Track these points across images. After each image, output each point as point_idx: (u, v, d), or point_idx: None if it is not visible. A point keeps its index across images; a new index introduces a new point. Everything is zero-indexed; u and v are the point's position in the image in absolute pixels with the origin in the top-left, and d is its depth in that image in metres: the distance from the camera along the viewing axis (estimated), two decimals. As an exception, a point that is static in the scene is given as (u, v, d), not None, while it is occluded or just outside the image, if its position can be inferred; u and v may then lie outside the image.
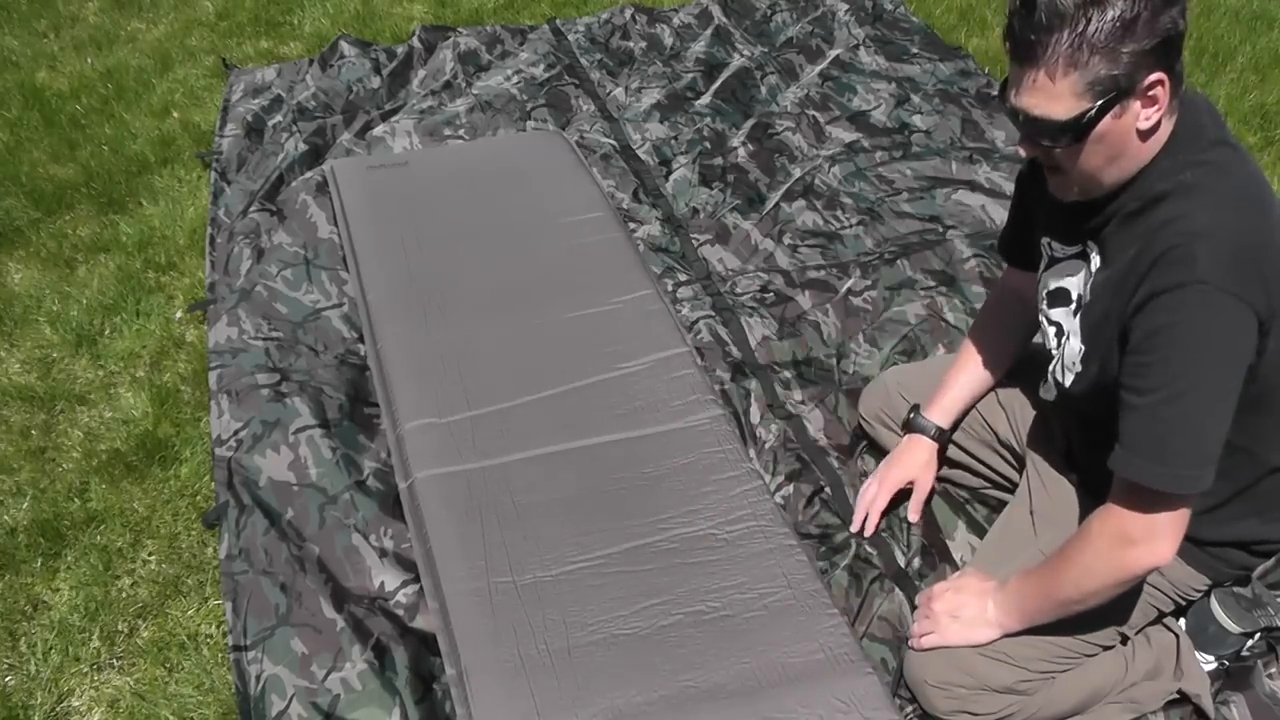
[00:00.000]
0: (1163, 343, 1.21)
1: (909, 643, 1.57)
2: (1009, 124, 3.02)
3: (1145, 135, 1.23)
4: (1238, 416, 1.23)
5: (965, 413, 1.78)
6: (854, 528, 1.82)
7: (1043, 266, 1.50)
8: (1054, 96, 1.18)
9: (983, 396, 1.77)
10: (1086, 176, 1.26)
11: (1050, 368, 1.50)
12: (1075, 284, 1.42)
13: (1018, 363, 1.75)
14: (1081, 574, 1.35)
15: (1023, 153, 1.27)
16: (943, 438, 1.77)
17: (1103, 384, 1.34)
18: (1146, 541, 1.28)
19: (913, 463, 1.78)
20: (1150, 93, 1.19)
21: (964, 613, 1.50)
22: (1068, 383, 1.44)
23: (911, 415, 1.79)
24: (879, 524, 1.82)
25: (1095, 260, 1.37)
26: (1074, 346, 1.41)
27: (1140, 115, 1.20)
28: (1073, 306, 1.43)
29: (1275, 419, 1.35)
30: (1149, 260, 1.23)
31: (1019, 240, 1.61)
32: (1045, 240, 1.48)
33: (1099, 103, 1.17)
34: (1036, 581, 1.43)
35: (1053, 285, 1.47)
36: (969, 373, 1.76)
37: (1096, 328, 1.35)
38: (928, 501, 1.85)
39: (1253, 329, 1.20)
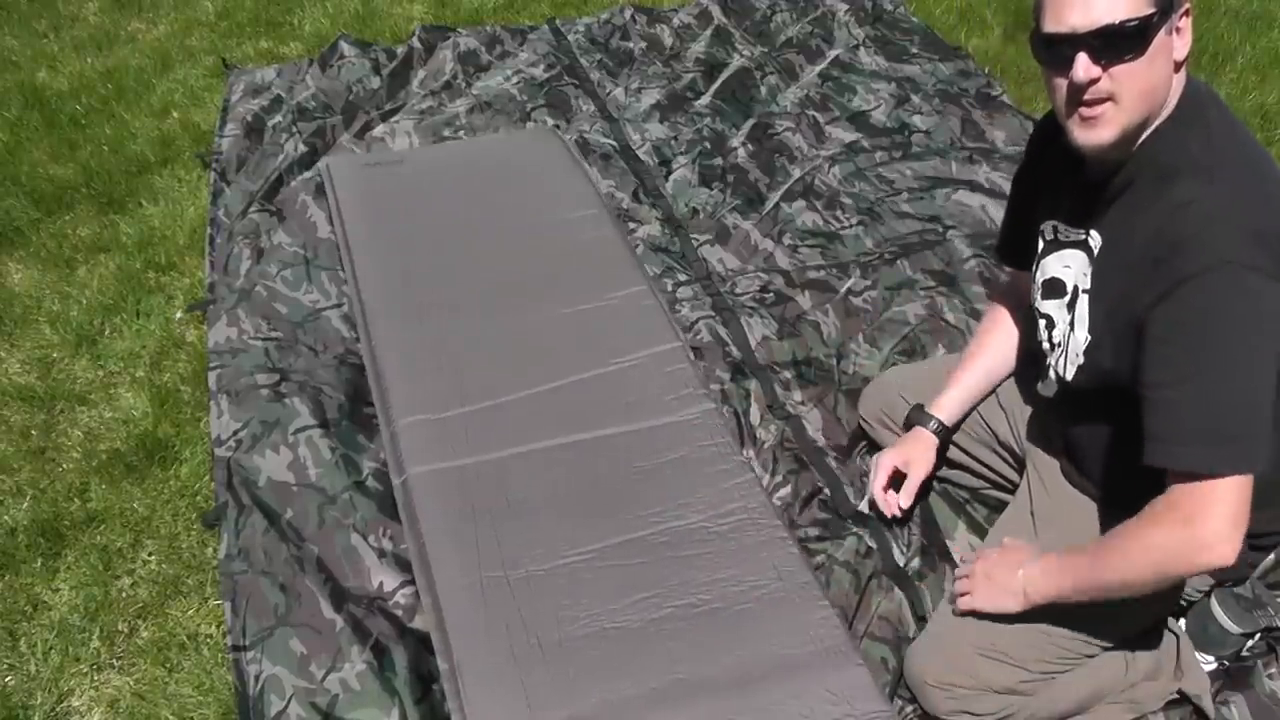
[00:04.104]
0: (1195, 328, 1.20)
1: (949, 605, 1.56)
2: (1009, 124, 3.02)
3: (1176, 69, 1.27)
4: None
5: (969, 410, 1.77)
6: (884, 511, 1.79)
7: (1040, 252, 1.49)
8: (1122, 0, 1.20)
9: (987, 395, 1.77)
10: (1134, 102, 1.24)
11: (1050, 361, 1.50)
12: (1072, 274, 1.42)
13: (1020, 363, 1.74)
14: (1128, 564, 1.30)
15: (1081, 74, 1.22)
16: (943, 432, 1.76)
17: (1113, 375, 1.33)
18: (1209, 537, 1.22)
19: (909, 450, 1.76)
20: (1179, 24, 1.24)
21: (997, 574, 1.48)
22: (1069, 375, 1.44)
23: (913, 411, 1.79)
24: (895, 504, 1.77)
25: (1097, 245, 1.37)
26: (1080, 337, 1.40)
27: (1175, 43, 1.25)
28: (1067, 299, 1.43)
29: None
30: (1167, 246, 1.23)
31: (1019, 240, 1.61)
32: (1048, 224, 1.48)
33: (1159, 9, 1.21)
34: (1082, 560, 1.38)
35: (1050, 274, 1.46)
36: (973, 371, 1.75)
37: (1109, 315, 1.34)
38: (924, 496, 1.84)
39: None
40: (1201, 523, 1.22)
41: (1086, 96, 1.25)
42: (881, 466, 1.78)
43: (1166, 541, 1.26)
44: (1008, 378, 1.76)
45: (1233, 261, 1.18)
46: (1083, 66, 1.22)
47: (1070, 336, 1.42)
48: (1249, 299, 1.19)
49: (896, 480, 1.78)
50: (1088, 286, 1.39)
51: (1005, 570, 1.48)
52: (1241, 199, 1.22)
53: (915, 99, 3.16)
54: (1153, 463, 1.25)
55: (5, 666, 1.71)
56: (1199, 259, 1.20)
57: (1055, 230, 1.46)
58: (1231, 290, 1.18)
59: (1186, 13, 1.26)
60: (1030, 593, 1.44)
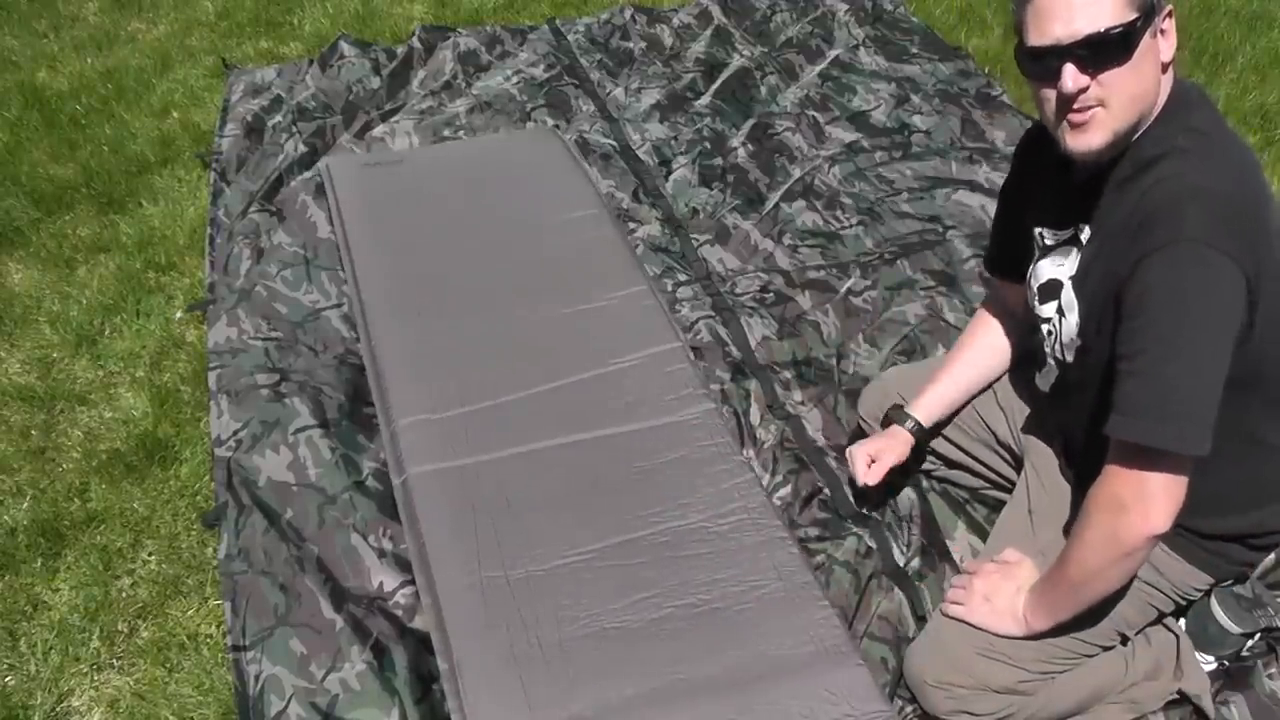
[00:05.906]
0: (1154, 302, 1.20)
1: (940, 607, 1.56)
2: (1009, 124, 3.02)
3: (1164, 70, 1.27)
4: (1232, 392, 1.22)
5: (952, 411, 1.76)
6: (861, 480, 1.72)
7: (1034, 258, 1.50)
8: (1104, 7, 1.20)
9: (973, 397, 1.76)
10: (1124, 107, 1.25)
11: (1048, 349, 1.50)
12: (1065, 273, 1.42)
13: (1014, 363, 1.74)
14: (1082, 550, 1.32)
15: (1070, 84, 1.23)
16: (920, 431, 1.74)
17: (1101, 355, 1.33)
18: (1139, 507, 1.23)
19: (880, 442, 1.73)
20: (1164, 25, 1.26)
21: (997, 599, 1.49)
22: (1070, 358, 1.44)
23: (891, 410, 1.77)
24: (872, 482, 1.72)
25: (1085, 237, 1.38)
26: (1070, 322, 1.41)
27: (1161, 45, 1.26)
28: (1062, 296, 1.43)
29: (1269, 395, 1.35)
30: (1138, 221, 1.24)
31: (1009, 251, 1.60)
32: (1038, 231, 1.48)
33: (1142, 13, 1.21)
34: (1052, 570, 1.42)
35: (1044, 277, 1.47)
36: (957, 372, 1.74)
37: (1092, 297, 1.35)
38: (923, 497, 1.83)
39: (1242, 287, 1.20)
40: (1136, 508, 1.23)
41: (1076, 105, 1.25)
42: (856, 458, 1.74)
43: (1105, 529, 1.27)
44: (996, 379, 1.75)
45: (1199, 239, 1.18)
46: (1070, 76, 1.23)
47: (1063, 323, 1.43)
48: (1209, 279, 1.18)
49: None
50: (1073, 273, 1.40)
51: (1005, 595, 1.48)
52: (1217, 183, 1.22)
53: (915, 99, 3.16)
54: (1107, 431, 1.25)
55: (5, 666, 1.71)
56: (1167, 232, 1.20)
57: (1044, 235, 1.47)
58: (1193, 267, 1.18)
59: (1170, 14, 1.26)
60: (1031, 621, 1.45)
